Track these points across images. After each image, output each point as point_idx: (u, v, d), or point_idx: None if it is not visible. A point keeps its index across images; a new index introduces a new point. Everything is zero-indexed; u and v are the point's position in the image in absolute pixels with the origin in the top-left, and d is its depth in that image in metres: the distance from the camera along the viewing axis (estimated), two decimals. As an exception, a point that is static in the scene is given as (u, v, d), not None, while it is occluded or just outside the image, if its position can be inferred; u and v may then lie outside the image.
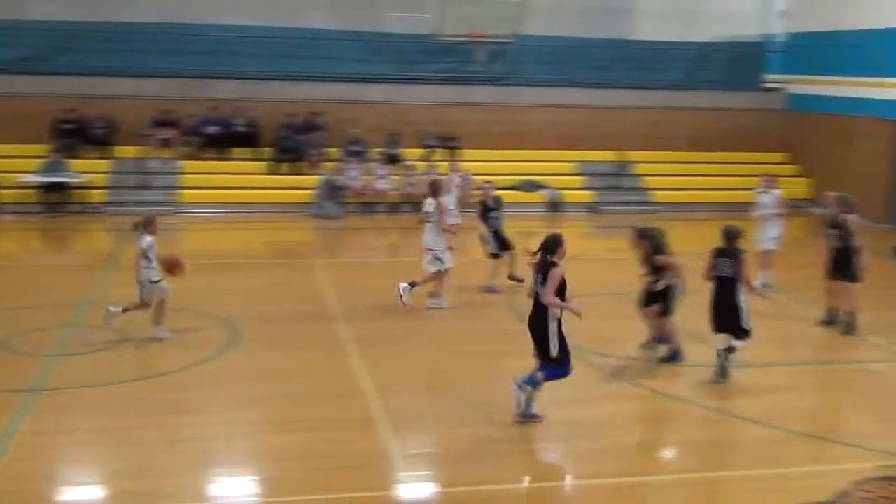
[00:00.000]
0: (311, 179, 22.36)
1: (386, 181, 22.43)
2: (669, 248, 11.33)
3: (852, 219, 12.78)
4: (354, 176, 22.32)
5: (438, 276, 13.70)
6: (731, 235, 10.73)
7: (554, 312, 8.98)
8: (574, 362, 9.22)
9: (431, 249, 13.65)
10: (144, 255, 11.62)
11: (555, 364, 9.08)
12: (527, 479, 8.48)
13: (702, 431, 9.50)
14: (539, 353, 9.19)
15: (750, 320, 10.57)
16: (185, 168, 22.52)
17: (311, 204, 21.83)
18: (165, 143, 22.65)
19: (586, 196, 23.64)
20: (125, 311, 11.79)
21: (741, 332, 10.59)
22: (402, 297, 13.24)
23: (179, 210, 21.39)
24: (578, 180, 24.23)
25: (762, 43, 26.92)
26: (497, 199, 15.27)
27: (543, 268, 9.07)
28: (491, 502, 7.90)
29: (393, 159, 23.14)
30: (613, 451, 8.93)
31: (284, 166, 22.87)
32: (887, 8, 21.98)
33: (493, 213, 15.00)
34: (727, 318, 10.58)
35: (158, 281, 11.72)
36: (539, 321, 9.07)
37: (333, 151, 23.28)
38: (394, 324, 12.94)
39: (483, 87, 24.82)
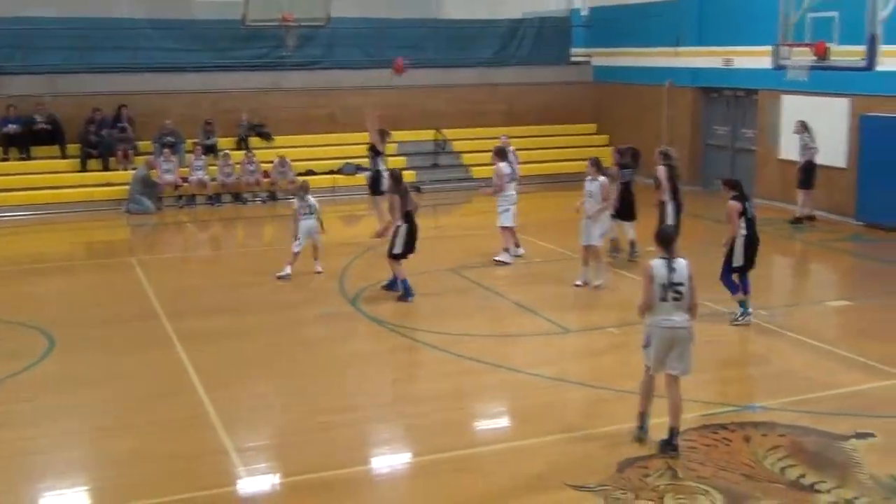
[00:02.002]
0: (124, 175, 21.54)
1: (203, 172, 21.87)
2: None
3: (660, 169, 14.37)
4: (169, 168, 21.64)
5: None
6: None
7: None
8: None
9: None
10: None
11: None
12: (366, 461, 8.47)
13: (533, 398, 9.74)
14: None
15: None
16: (-16, 171, 21.23)
17: (125, 200, 21.03)
18: (-40, 146, 21.29)
19: (408, 176, 23.72)
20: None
21: None
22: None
23: (-18, 215, 20.18)
24: (399, 161, 24.31)
25: (568, 18, 27.74)
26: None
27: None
28: (333, 488, 7.87)
29: (209, 150, 22.58)
30: (448, 424, 9.06)
31: (93, 162, 21.92)
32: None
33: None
34: None
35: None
36: None
37: (145, 145, 22.50)
38: (219, 319, 12.69)
39: (297, 72, 24.53)
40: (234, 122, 23.42)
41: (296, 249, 14.56)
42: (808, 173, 18.55)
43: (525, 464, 8.14)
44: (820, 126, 18.76)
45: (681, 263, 8.16)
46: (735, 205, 11.81)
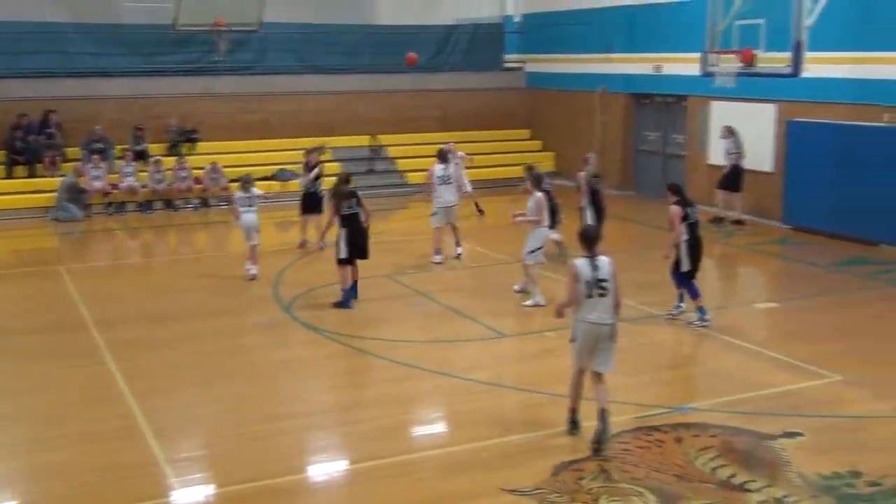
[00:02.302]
0: (51, 182, 21.10)
1: (134, 179, 21.52)
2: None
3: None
4: (98, 175, 21.26)
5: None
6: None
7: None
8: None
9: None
10: None
11: None
12: (302, 469, 8.41)
13: (468, 403, 9.76)
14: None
15: None
16: None
17: (52, 207, 20.60)
18: None
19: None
20: None
21: None
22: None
23: None
24: (334, 167, 24.20)
25: (501, 24, 27.91)
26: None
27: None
28: (269, 498, 7.79)
29: (140, 156, 22.24)
30: (384, 430, 9.03)
31: (19, 169, 21.43)
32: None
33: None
34: None
35: None
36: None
37: (74, 151, 22.07)
38: (150, 327, 12.49)
39: (229, 77, 24.28)
40: (165, 128, 23.10)
41: (253, 242, 14.65)
42: (734, 177, 18.97)
43: (460, 469, 8.15)
44: (748, 131, 19.18)
45: (603, 261, 8.43)
46: (676, 209, 11.97)
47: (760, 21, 16.33)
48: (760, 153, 19.13)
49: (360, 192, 13.70)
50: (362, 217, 13.33)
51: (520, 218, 13.37)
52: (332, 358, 11.40)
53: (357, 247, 13.17)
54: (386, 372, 10.78)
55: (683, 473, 7.87)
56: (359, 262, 13.33)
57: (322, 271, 14.91)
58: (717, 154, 20.01)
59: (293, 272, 15.41)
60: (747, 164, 19.07)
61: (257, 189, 14.98)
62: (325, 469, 8.45)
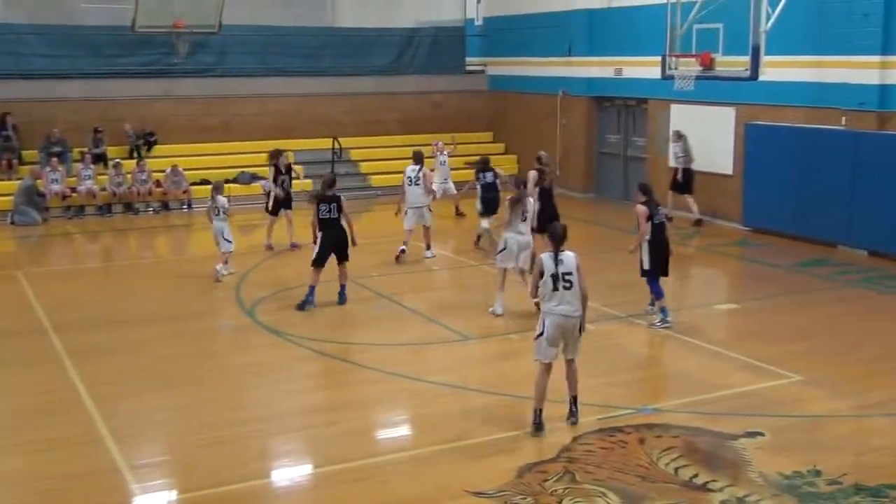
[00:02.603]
0: (8, 185, 20.81)
1: (93, 182, 21.27)
2: None
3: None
4: (56, 178, 20.99)
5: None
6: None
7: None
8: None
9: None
10: None
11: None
12: (265, 474, 8.35)
13: (433, 406, 9.75)
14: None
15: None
16: None
17: (9, 211, 20.30)
18: None
19: (306, 185, 23.56)
20: None
21: None
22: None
23: None
24: (296, 170, 24.07)
25: (462, 27, 27.94)
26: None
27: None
28: (232, 503, 7.73)
29: (99, 158, 21.99)
30: (348, 434, 9.00)
31: (-25, 173, 21.15)
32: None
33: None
34: None
35: None
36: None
37: (31, 154, 21.77)
38: (110, 332, 12.35)
39: (189, 80, 24.07)
40: (124, 131, 22.85)
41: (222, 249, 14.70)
42: (685, 180, 19.25)
43: (425, 472, 8.15)
44: (707, 134, 19.38)
45: (568, 255, 8.88)
46: (643, 209, 12.11)
47: (719, 25, 16.48)
48: (720, 156, 19.34)
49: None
50: (342, 221, 13.21)
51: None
52: (296, 361, 11.33)
53: (333, 248, 13.12)
54: (350, 375, 10.75)
55: (647, 474, 7.92)
56: (334, 264, 13.24)
57: (285, 275, 14.83)
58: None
59: (257, 274, 15.31)
60: (706, 166, 19.28)
61: (222, 197, 14.83)
62: (289, 474, 8.40)
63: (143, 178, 21.65)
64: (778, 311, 13.35)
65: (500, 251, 12.86)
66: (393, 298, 13.85)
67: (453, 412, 9.56)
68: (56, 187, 20.96)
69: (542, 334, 8.78)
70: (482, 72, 27.63)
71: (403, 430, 9.55)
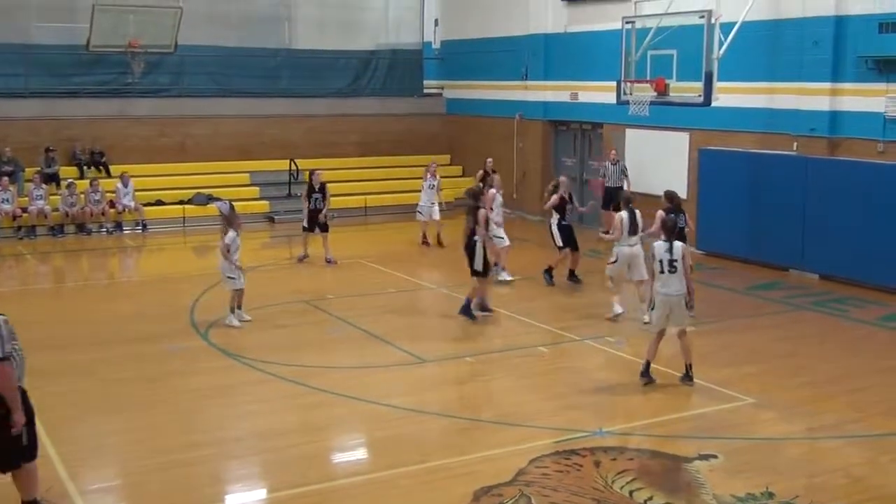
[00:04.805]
0: (-43, 205, 20.48)
1: (45, 202, 20.99)
2: None
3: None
4: (7, 198, 20.68)
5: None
6: None
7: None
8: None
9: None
10: None
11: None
12: (219, 499, 8.24)
13: (389, 430, 9.70)
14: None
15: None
16: None
17: (-41, 232, 19.98)
18: None
19: (262, 206, 23.46)
20: None
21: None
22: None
23: None
24: (253, 191, 24.00)
25: (420, 50, 28.06)
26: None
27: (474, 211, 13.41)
28: (183, 529, 7.62)
29: (51, 178, 21.71)
30: (304, 458, 8.91)
31: (-77, 192, 20.77)
32: (531, 15, 23.66)
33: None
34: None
35: None
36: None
37: (-19, 173, 21.45)
38: (60, 354, 12.11)
39: (144, 100, 23.93)
40: (74, 151, 22.62)
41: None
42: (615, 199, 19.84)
43: (382, 496, 8.09)
44: (662, 159, 19.60)
45: (677, 245, 10.78)
46: (661, 214, 12.74)
47: (673, 52, 16.70)
48: (674, 180, 19.51)
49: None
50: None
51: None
52: (250, 384, 11.20)
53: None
54: (305, 398, 10.65)
55: (602, 497, 7.93)
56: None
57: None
58: (633, 180, 20.38)
59: (210, 297, 15.15)
60: (661, 190, 19.41)
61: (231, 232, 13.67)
62: (243, 498, 8.30)
63: (97, 198, 21.41)
64: (731, 333, 13.48)
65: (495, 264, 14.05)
66: (348, 320, 13.79)
67: (409, 435, 9.51)
68: (7, 207, 20.67)
69: (652, 308, 11.10)
70: (440, 94, 27.77)
71: (360, 454, 9.48)
